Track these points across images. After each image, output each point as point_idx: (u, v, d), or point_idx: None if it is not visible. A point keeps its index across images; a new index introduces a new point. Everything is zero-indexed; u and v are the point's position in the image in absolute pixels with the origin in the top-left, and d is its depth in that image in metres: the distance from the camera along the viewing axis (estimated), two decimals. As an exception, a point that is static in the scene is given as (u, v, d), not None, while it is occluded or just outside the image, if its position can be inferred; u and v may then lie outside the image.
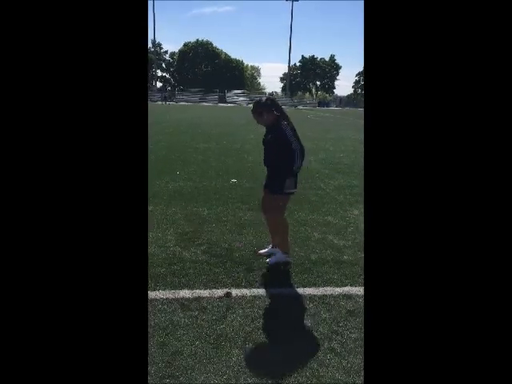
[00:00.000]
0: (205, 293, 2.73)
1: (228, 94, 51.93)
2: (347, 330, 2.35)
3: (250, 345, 2.19)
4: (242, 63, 68.33)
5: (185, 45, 65.25)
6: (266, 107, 3.03)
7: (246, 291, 2.78)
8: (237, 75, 64.54)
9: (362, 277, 3.06)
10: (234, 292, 2.76)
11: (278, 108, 3.07)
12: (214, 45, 65.38)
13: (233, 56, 66.99)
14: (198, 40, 64.94)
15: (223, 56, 65.07)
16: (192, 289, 2.78)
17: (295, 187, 3.13)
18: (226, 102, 49.66)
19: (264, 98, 3.15)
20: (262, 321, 2.42)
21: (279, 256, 3.27)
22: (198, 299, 2.64)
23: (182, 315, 2.43)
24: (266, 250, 3.43)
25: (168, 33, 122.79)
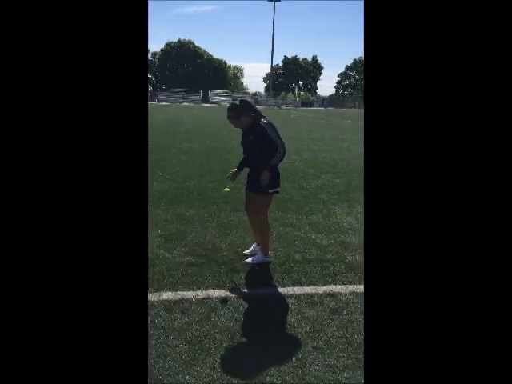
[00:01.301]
0: (188, 294, 2.71)
1: (211, 94, 51.70)
2: (331, 328, 2.37)
3: (235, 345, 2.18)
4: (224, 63, 68.17)
5: (167, 44, 64.69)
6: (243, 110, 3.03)
7: (229, 292, 2.77)
8: (220, 75, 64.33)
9: (345, 275, 3.09)
10: (218, 293, 2.75)
11: (254, 109, 3.08)
12: (197, 44, 65.11)
13: (215, 56, 66.86)
14: (180, 39, 64.50)
15: (206, 56, 64.77)
16: (176, 290, 2.75)
17: (278, 186, 3.15)
18: (209, 102, 49.45)
19: (238, 101, 3.12)
20: (246, 321, 2.42)
21: (259, 257, 3.28)
22: (182, 301, 2.62)
23: (165, 317, 2.41)
24: (251, 249, 3.43)
25: (150, 32, 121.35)
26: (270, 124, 3.04)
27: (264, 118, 3.07)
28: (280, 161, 3.03)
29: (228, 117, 3.11)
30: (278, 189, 3.17)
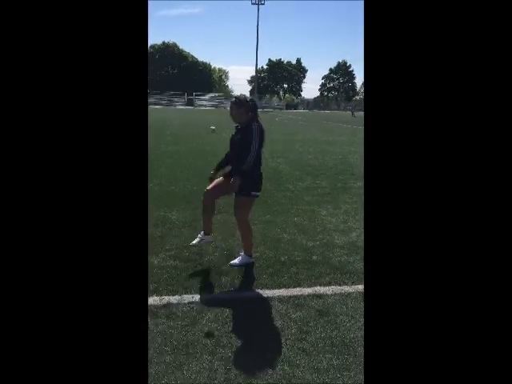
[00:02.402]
0: (174, 299, 2.69)
1: (196, 97, 51.55)
2: (317, 329, 2.39)
3: (221, 349, 2.17)
4: (209, 66, 68.05)
5: (151, 47, 64.21)
6: (250, 107, 3.07)
7: (215, 295, 2.76)
8: (204, 78, 64.19)
9: (331, 276, 3.11)
10: (204, 297, 2.73)
11: (256, 111, 3.12)
12: (181, 47, 64.86)
13: (200, 59, 66.73)
14: (164, 42, 64.15)
15: (190, 58, 64.58)
16: (161, 295, 2.73)
17: (259, 190, 3.16)
18: (194, 105, 49.28)
19: (248, 98, 3.16)
20: (232, 324, 2.41)
21: (244, 258, 3.27)
22: (167, 306, 2.59)
23: (150, 323, 2.38)
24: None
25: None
26: (261, 129, 3.05)
27: (258, 121, 3.09)
28: (250, 165, 2.98)
29: (232, 106, 3.08)
30: (258, 193, 3.17)
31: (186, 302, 2.66)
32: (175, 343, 2.20)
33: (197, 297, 2.73)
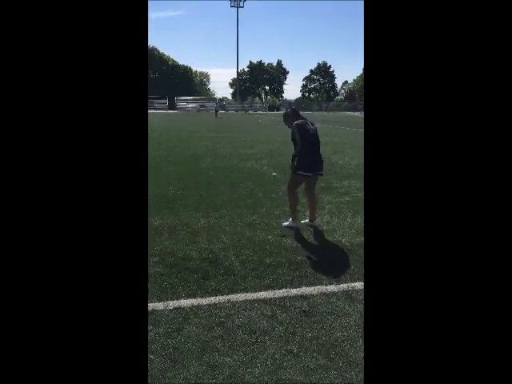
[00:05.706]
0: (159, 305, 2.66)
1: (178, 101, 51.27)
2: (303, 330, 2.39)
3: (207, 355, 2.15)
4: (190, 69, 67.80)
5: (130, 51, 63.53)
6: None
7: (201, 300, 2.74)
8: (185, 81, 63.95)
9: (315, 276, 3.13)
10: (190, 302, 2.71)
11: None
12: (161, 51, 64.43)
13: (180, 62, 66.41)
14: (143, 46, 63.63)
15: (171, 62, 64.22)
16: (145, 302, 2.69)
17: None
18: (175, 108, 48.99)
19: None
20: (218, 329, 2.40)
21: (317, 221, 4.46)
22: (152, 313, 2.56)
23: (135, 331, 2.35)
24: (312, 222, 4.37)
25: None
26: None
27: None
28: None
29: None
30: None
31: (171, 307, 2.63)
32: (161, 351, 2.17)
33: (182, 302, 2.70)
